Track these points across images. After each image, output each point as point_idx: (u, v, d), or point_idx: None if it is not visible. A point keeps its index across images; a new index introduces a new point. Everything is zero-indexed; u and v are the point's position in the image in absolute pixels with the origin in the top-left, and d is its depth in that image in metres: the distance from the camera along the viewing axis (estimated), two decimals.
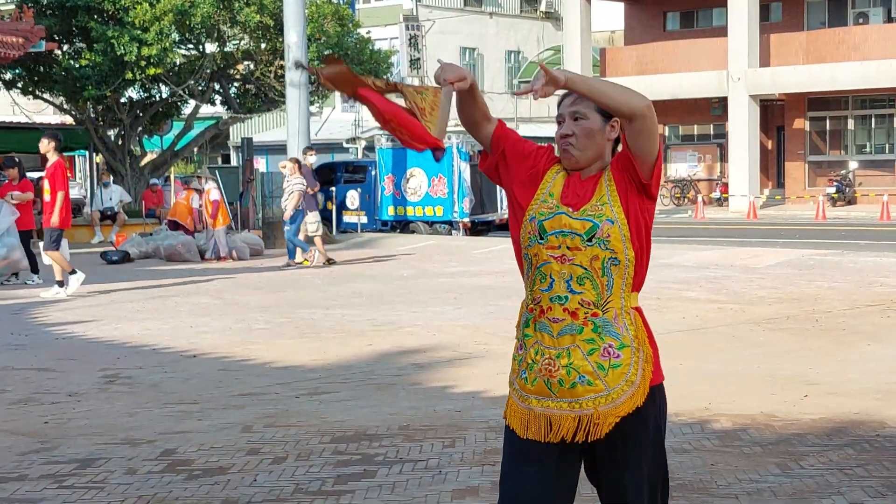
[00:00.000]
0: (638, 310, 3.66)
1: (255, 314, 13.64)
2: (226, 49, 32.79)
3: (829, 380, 9.01)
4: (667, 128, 43.62)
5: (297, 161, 21.47)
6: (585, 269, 3.59)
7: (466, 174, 29.20)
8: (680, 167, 42.54)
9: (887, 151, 39.53)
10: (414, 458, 6.93)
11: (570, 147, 3.67)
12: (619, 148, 3.71)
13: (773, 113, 40.77)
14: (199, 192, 23.59)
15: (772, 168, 41.34)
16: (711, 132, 42.17)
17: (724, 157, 40.68)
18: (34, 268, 18.25)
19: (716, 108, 40.54)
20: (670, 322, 12.37)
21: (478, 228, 29.35)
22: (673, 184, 41.78)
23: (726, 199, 39.13)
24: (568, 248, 3.60)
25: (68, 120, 36.23)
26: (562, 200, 3.66)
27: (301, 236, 20.35)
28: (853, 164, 39.49)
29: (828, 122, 40.78)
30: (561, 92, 3.66)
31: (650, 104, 3.49)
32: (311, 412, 8.26)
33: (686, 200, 40.62)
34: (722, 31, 39.35)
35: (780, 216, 36.02)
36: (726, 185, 39.64)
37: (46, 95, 34.39)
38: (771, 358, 10.04)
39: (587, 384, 3.53)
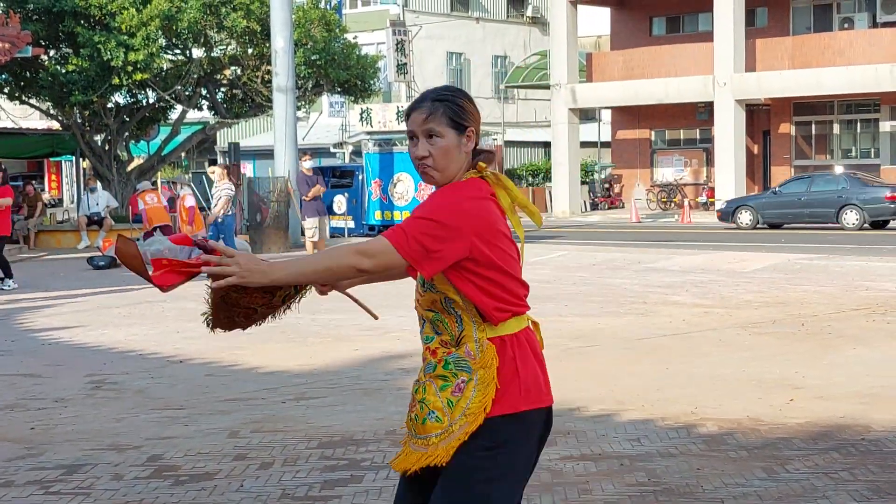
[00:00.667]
0: (497, 339, 3.47)
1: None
2: (213, 54, 32.77)
3: (815, 383, 9.02)
4: (653, 132, 43.75)
5: (225, 167, 21.92)
6: (434, 311, 3.57)
7: None
8: (666, 171, 42.64)
9: (872, 156, 39.69)
10: None
11: (428, 169, 3.57)
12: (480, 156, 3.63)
13: (759, 117, 40.87)
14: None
15: (758, 172, 41.43)
16: (698, 136, 42.28)
17: (710, 162, 40.76)
18: (8, 273, 18.20)
19: (702, 113, 40.65)
20: (656, 326, 12.40)
21: None
22: (659, 188, 41.86)
23: (713, 204, 39.16)
24: (418, 294, 3.61)
25: (55, 125, 36.15)
26: None
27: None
28: (839, 169, 39.44)
29: (813, 126, 40.93)
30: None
31: (360, 251, 3.44)
32: (298, 417, 8.25)
33: (672, 205, 40.69)
34: (708, 37, 39.44)
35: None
36: (713, 189, 39.70)
37: (33, 101, 34.30)
38: (757, 362, 10.05)
39: (435, 420, 3.45)
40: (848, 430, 7.44)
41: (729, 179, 38.42)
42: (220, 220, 20.52)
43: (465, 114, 3.56)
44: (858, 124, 40.15)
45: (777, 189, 33.02)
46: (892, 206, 30.16)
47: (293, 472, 6.79)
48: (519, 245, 3.60)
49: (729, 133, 38.55)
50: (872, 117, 39.54)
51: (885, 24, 37.46)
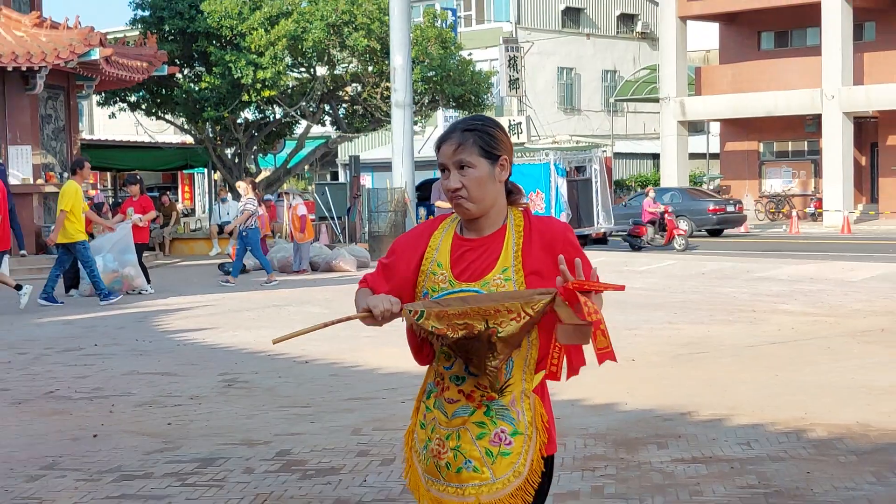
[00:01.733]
0: (539, 390, 3.32)
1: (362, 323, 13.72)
2: (335, 72, 33.16)
3: None
4: (761, 144, 43.21)
5: (251, 181, 22.10)
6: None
7: (563, 189, 29.18)
8: (774, 183, 42.09)
9: None
10: None
11: (462, 201, 3.30)
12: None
13: (867, 130, 40.14)
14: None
15: (865, 184, 40.72)
16: (806, 148, 41.66)
17: (818, 173, 40.17)
18: (147, 279, 18.63)
19: (810, 125, 40.03)
20: (766, 334, 12.26)
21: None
22: (768, 199, 41.33)
23: (820, 215, 38.61)
24: None
25: (188, 139, 36.92)
26: (454, 272, 3.33)
27: None
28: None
29: None
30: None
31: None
32: None
33: (780, 215, 40.13)
34: (816, 50, 38.88)
35: (875, 231, 35.40)
36: (820, 200, 39.14)
37: (168, 117, 35.10)
38: (866, 370, 9.88)
39: (473, 470, 3.25)
40: None
41: (837, 190, 37.82)
42: (244, 234, 20.52)
43: (497, 143, 3.35)
44: None
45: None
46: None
47: None
48: None
49: (837, 145, 37.94)
50: None
51: None
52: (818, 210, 39.23)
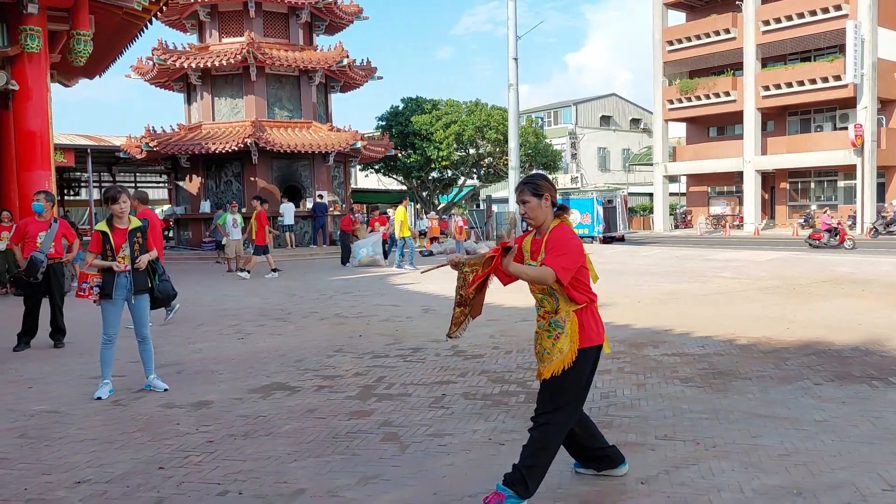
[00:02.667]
0: (577, 311, 3.41)
1: (495, 282, 13.75)
2: (479, 151, 33.23)
3: (801, 319, 8.49)
4: (709, 188, 41.75)
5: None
6: (542, 294, 3.47)
7: (601, 213, 28.70)
8: (716, 208, 40.62)
9: (833, 199, 36.76)
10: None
11: (527, 219, 3.52)
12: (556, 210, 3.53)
13: (768, 179, 38.35)
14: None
15: (767, 208, 38.96)
16: (734, 189, 40.03)
17: (741, 203, 38.53)
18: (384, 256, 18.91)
19: (737, 177, 38.48)
20: (711, 289, 11.89)
21: (606, 240, 28.78)
22: (713, 217, 39.95)
23: (741, 226, 37.10)
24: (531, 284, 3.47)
25: (403, 187, 37.38)
26: (531, 254, 3.53)
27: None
28: (813, 207, 36.72)
29: (799, 184, 38.17)
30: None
31: (553, 275, 3.31)
32: (522, 330, 8.27)
33: (720, 226, 38.71)
34: (740, 137, 37.38)
35: (772, 235, 33.89)
36: (742, 218, 37.60)
37: (392, 175, 35.64)
38: (768, 307, 9.54)
39: (546, 353, 3.43)
40: (820, 344, 6.99)
41: (751, 212, 36.33)
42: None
43: (540, 187, 3.48)
44: (825, 183, 37.19)
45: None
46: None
47: (522, 356, 6.85)
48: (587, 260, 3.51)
49: (751, 188, 36.40)
50: (832, 179, 36.60)
51: (840, 129, 34.62)
52: (741, 223, 37.72)
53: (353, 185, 45.96)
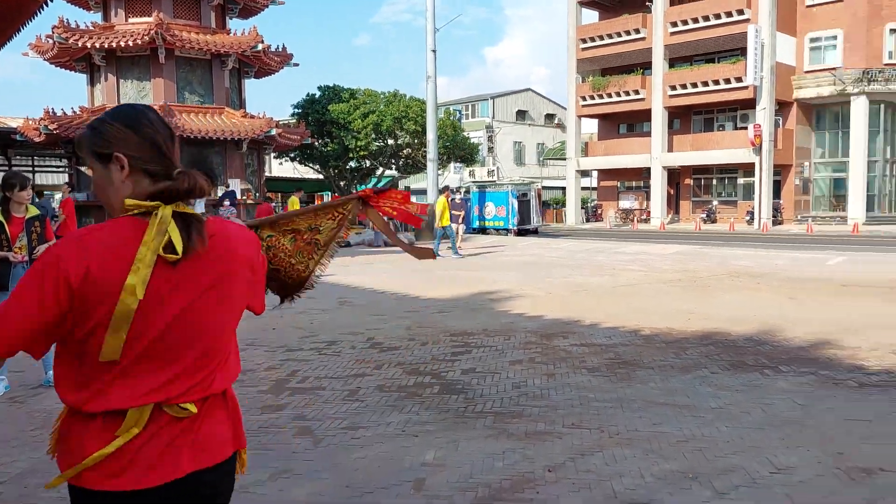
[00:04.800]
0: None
1: (411, 273, 13.80)
2: (398, 142, 33.11)
3: (702, 311, 8.90)
4: (619, 183, 43.05)
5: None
6: None
7: (516, 206, 29.19)
8: (625, 202, 41.96)
9: (733, 196, 38.64)
10: (489, 344, 7.03)
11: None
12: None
13: (673, 175, 39.93)
14: None
15: (672, 203, 40.55)
16: (642, 185, 41.45)
17: (648, 198, 39.96)
18: None
19: (645, 173, 39.84)
20: (619, 282, 12.29)
21: (520, 232, 29.29)
22: (622, 211, 41.24)
23: (648, 220, 38.51)
24: None
25: (320, 177, 36.83)
26: None
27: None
28: (715, 202, 38.55)
29: (702, 180, 39.92)
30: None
31: None
32: (439, 321, 8.40)
33: (629, 220, 40.02)
34: (648, 134, 38.73)
35: (676, 229, 35.32)
36: (649, 212, 39.01)
37: (309, 165, 35.05)
38: (671, 300, 9.94)
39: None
40: (719, 335, 7.36)
41: (658, 207, 37.74)
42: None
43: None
44: (726, 180, 39.06)
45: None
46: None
47: (437, 347, 6.95)
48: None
49: (658, 183, 37.80)
50: (734, 177, 38.47)
51: (740, 128, 36.40)
52: (648, 217, 39.14)
53: (267, 174, 44.99)
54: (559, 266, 15.10)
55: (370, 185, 37.58)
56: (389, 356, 6.55)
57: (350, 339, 7.34)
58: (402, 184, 39.08)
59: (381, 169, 35.00)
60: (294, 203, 17.29)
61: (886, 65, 33.23)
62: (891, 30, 33.40)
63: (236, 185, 24.65)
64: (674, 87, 36.58)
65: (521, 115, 58.12)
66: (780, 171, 35.93)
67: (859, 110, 33.37)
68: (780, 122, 35.66)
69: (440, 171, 37.99)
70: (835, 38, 34.33)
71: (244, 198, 25.03)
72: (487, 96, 56.99)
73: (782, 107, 35.48)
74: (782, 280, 12.11)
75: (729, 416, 4.68)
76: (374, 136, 31.56)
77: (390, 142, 32.85)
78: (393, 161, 34.62)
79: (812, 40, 35.02)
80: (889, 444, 4.08)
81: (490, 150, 51.31)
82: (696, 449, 4.09)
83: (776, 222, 34.65)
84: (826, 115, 36.25)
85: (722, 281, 12.13)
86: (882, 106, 34.18)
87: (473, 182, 34.39)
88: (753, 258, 16.35)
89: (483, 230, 29.75)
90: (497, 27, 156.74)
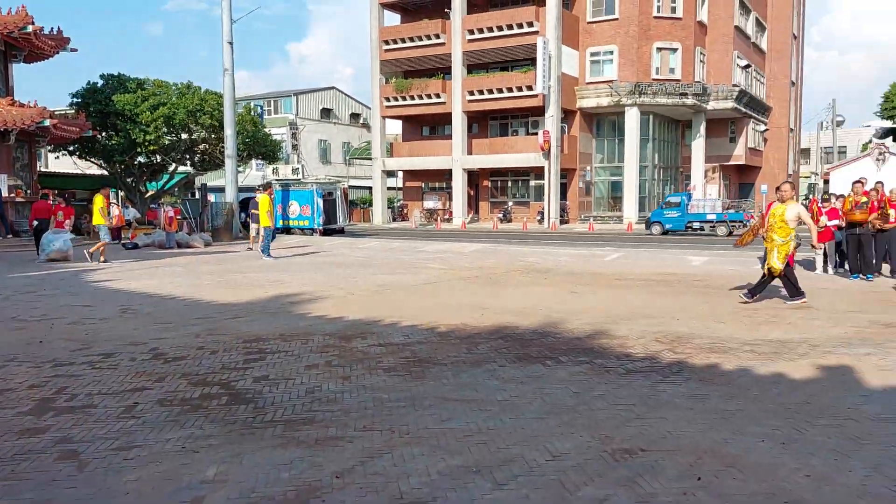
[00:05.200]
0: None
1: (206, 277, 13.10)
2: (193, 136, 31.29)
3: (494, 306, 9.28)
4: (423, 184, 44.02)
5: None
6: None
7: (321, 204, 28.86)
8: (429, 203, 43.04)
9: (525, 197, 41.04)
10: (285, 350, 6.83)
11: None
12: None
13: (473, 177, 41.64)
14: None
15: (472, 204, 42.26)
16: (445, 186, 42.81)
17: (451, 198, 41.31)
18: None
19: (447, 174, 41.10)
20: (421, 279, 12.51)
21: (326, 232, 28.98)
22: (426, 211, 42.23)
23: (451, 220, 39.79)
24: None
25: (105, 173, 33.86)
26: None
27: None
28: (511, 203, 40.75)
29: (499, 182, 41.99)
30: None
31: None
32: (233, 327, 8.03)
33: (432, 219, 41.06)
34: (449, 137, 40.02)
35: (477, 228, 36.87)
36: (452, 212, 40.32)
37: (92, 159, 32.08)
38: (467, 295, 10.28)
39: None
40: (508, 329, 7.70)
41: (459, 207, 39.15)
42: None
43: None
44: (520, 182, 41.42)
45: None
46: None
47: (229, 355, 6.62)
48: None
49: (459, 184, 39.17)
50: (525, 179, 40.88)
51: (532, 134, 38.79)
52: (450, 217, 40.44)
53: (43, 169, 40.62)
54: (363, 265, 15.11)
55: (162, 184, 35.07)
56: (174, 367, 6.12)
57: (130, 351, 6.77)
58: (198, 181, 37.11)
59: (174, 165, 32.93)
60: (98, 201, 15.85)
61: (654, 79, 37.07)
62: (657, 48, 37.31)
63: (2, 180, 21.97)
64: (472, 93, 38.09)
65: (327, 113, 57.59)
66: (567, 174, 38.76)
67: (632, 120, 36.91)
68: (566, 129, 38.46)
69: (240, 169, 36.52)
70: (611, 53, 37.68)
71: (13, 195, 22.41)
72: (291, 93, 55.78)
73: (568, 115, 38.28)
74: (565, 274, 13.03)
75: (513, 407, 4.90)
76: (165, 129, 29.55)
77: (184, 136, 30.97)
78: (188, 157, 32.69)
79: (592, 54, 38.16)
80: (649, 426, 4.49)
81: (294, 147, 50.22)
82: (481, 442, 4.23)
83: (563, 221, 37.35)
84: (605, 124, 39.69)
85: (513, 276, 12.78)
86: (651, 116, 38.07)
87: (277, 180, 33.37)
88: (542, 254, 17.45)
89: (287, 230, 29.06)
90: (301, 22, 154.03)
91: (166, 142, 30.53)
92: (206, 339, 7.29)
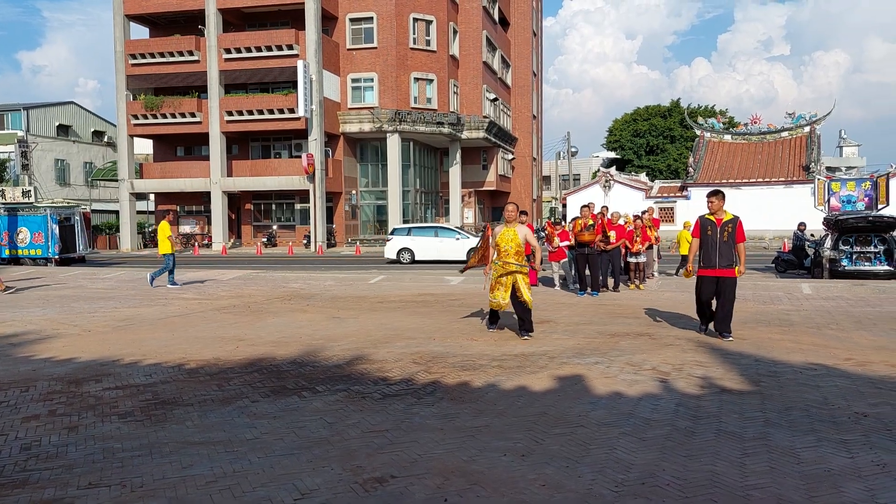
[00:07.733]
0: None
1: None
2: None
3: (251, 337, 8.92)
4: (179, 207, 41.54)
5: None
6: None
7: (56, 230, 25.89)
8: (186, 227, 40.67)
9: (292, 220, 40.47)
10: None
11: None
12: None
13: (234, 200, 40.18)
14: None
15: (234, 228, 40.72)
16: (203, 209, 40.73)
17: (210, 222, 39.36)
18: None
19: (205, 197, 39.20)
20: (171, 311, 11.68)
21: (64, 261, 26.03)
22: (183, 236, 39.87)
23: (210, 245, 37.92)
24: None
25: None
26: None
27: None
28: (275, 227, 39.89)
29: (262, 205, 40.94)
30: None
31: None
32: None
33: (190, 245, 38.84)
34: (207, 158, 38.26)
35: (238, 253, 35.53)
36: (211, 237, 38.45)
37: None
38: (222, 327, 9.77)
39: None
40: (264, 360, 7.41)
41: (219, 231, 37.51)
42: None
43: None
44: (284, 205, 40.69)
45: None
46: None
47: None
48: None
49: (219, 207, 37.57)
50: (291, 202, 40.30)
51: (295, 157, 38.39)
52: (210, 242, 38.55)
53: None
54: (105, 298, 13.75)
55: None
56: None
57: None
58: None
59: None
60: (165, 229, 13.99)
61: (413, 108, 38.59)
62: (415, 78, 38.93)
63: None
64: (231, 113, 36.80)
65: (64, 130, 52.25)
66: (333, 197, 38.86)
67: (394, 146, 38.04)
68: (331, 153, 38.60)
69: None
70: (371, 80, 38.62)
71: None
72: (20, 106, 49.79)
73: (331, 139, 38.46)
74: (328, 300, 12.93)
75: (263, 445, 4.66)
76: None
77: None
78: None
79: (353, 80, 38.80)
80: (401, 451, 4.51)
81: (25, 167, 44.67)
82: (225, 487, 3.95)
83: (330, 245, 37.33)
84: (368, 149, 40.46)
85: (274, 304, 12.41)
86: (412, 143, 39.53)
87: (3, 204, 29.26)
88: (306, 280, 17.19)
89: (16, 260, 25.65)
90: (35, 30, 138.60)
91: None
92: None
